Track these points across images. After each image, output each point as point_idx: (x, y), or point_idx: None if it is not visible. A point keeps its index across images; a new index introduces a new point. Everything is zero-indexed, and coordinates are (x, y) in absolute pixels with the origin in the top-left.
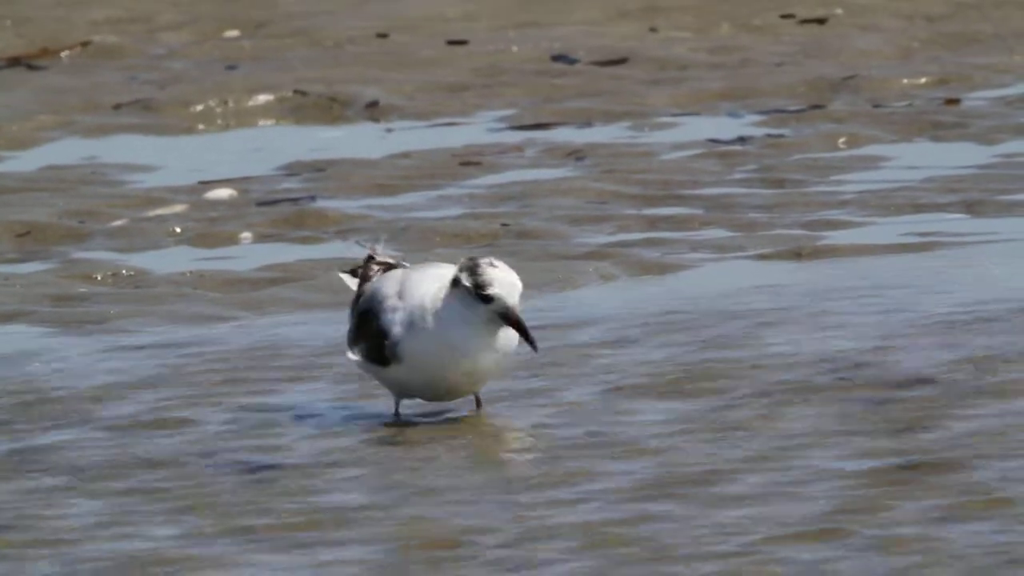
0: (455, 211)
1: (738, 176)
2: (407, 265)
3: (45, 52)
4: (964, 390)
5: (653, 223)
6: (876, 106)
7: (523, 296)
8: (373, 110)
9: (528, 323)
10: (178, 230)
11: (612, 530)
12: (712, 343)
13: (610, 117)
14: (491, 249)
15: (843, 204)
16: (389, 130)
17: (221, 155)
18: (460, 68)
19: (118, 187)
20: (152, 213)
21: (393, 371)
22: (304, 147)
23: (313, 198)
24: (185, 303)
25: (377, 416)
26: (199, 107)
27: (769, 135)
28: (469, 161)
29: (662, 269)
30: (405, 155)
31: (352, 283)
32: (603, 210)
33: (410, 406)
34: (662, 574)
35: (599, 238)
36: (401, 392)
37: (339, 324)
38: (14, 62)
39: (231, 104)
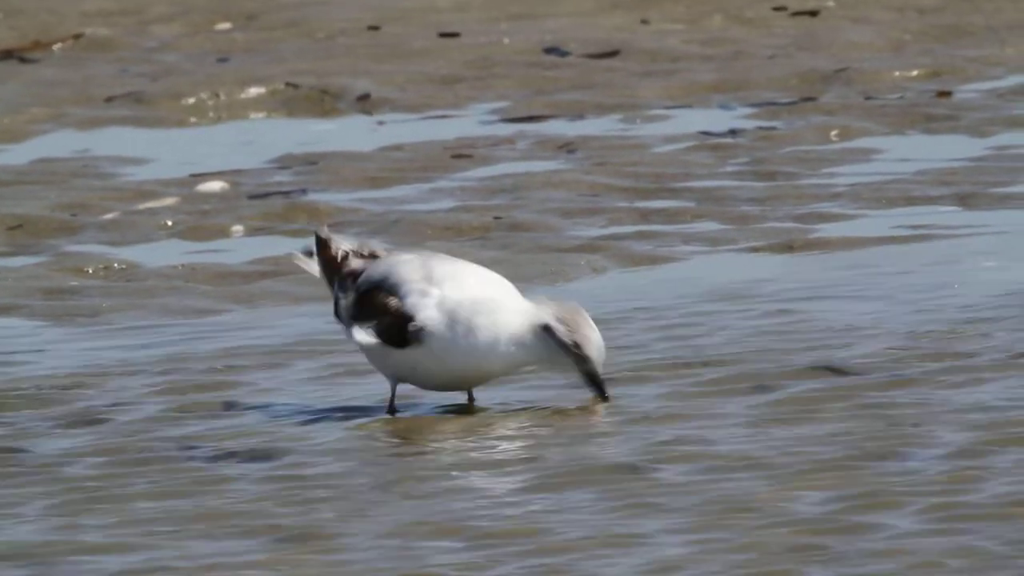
0: (447, 204)
1: (730, 169)
2: (377, 250)
3: (37, 45)
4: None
5: (645, 216)
6: (868, 98)
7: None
8: (365, 103)
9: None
10: (170, 223)
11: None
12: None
13: (602, 109)
14: (483, 242)
15: (835, 197)
16: (381, 123)
17: (213, 148)
18: (452, 60)
19: (110, 180)
20: (144, 206)
21: (407, 354)
22: (296, 140)
23: (304, 191)
24: (177, 296)
25: (370, 406)
26: (191, 100)
27: (761, 127)
28: (461, 154)
29: (654, 262)
30: (397, 148)
31: (308, 265)
32: (595, 203)
33: (402, 396)
34: None
35: (591, 231)
36: (402, 377)
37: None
38: (6, 55)
39: (223, 97)
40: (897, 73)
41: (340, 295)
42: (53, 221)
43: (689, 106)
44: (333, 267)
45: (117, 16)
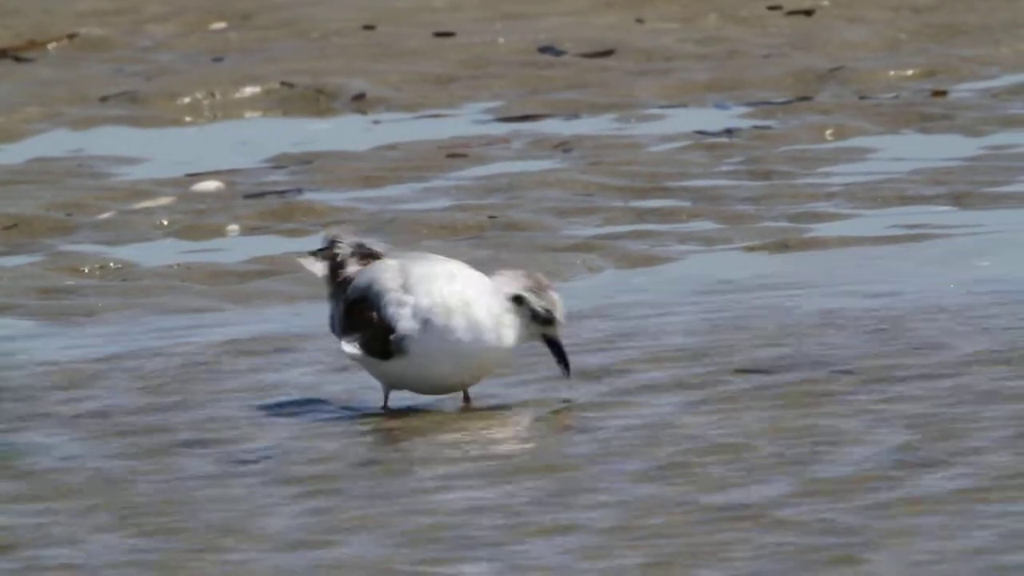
0: (442, 203)
1: (725, 168)
2: (379, 252)
3: (32, 44)
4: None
5: (640, 215)
6: (863, 98)
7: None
8: (360, 102)
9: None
10: (165, 222)
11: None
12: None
13: (597, 109)
14: (478, 241)
15: (830, 196)
16: (376, 122)
17: (208, 147)
18: (447, 60)
19: (105, 179)
20: (139, 205)
21: (393, 364)
22: (291, 139)
23: (300, 190)
24: (172, 296)
25: (364, 408)
26: (186, 99)
27: (756, 127)
28: (456, 153)
29: (649, 261)
30: (392, 147)
31: (313, 267)
32: (590, 202)
33: (397, 398)
34: None
35: (586, 230)
36: (394, 385)
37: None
38: (1, 54)
39: (218, 96)
40: (892, 72)
41: (333, 305)
42: (48, 220)
43: (684, 105)
44: (334, 275)
45: (112, 16)
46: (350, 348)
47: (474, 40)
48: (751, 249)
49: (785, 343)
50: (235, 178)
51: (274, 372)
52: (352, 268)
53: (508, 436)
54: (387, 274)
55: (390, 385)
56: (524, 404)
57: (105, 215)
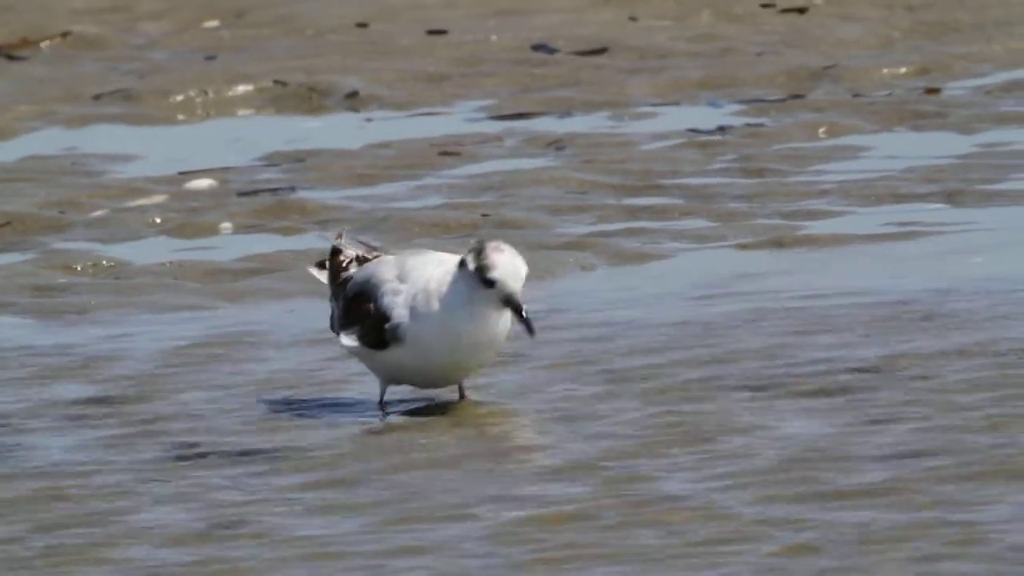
0: (435, 201)
1: (718, 166)
2: (380, 253)
3: (25, 42)
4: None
5: (633, 213)
6: (856, 95)
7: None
8: (353, 100)
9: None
10: (158, 220)
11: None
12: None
13: (590, 107)
14: (471, 239)
15: (823, 194)
16: (369, 120)
17: (201, 145)
18: (440, 58)
19: (98, 177)
20: (132, 203)
21: (390, 354)
22: (284, 137)
23: (293, 188)
24: (165, 293)
25: (360, 404)
26: (179, 97)
27: (749, 125)
28: (449, 151)
29: (642, 259)
30: (385, 145)
31: (321, 276)
32: (583, 200)
33: (395, 392)
34: None
35: (579, 228)
36: (392, 378)
37: (321, 312)
38: None
39: (211, 94)
40: (885, 70)
41: (334, 304)
42: (41, 218)
43: (677, 103)
44: (335, 277)
45: (105, 14)
46: (348, 341)
47: (467, 38)
48: (744, 247)
49: (778, 341)
50: (228, 176)
51: (264, 368)
52: (353, 270)
53: (506, 431)
54: (384, 267)
55: (388, 379)
56: (520, 399)
57: (98, 213)
